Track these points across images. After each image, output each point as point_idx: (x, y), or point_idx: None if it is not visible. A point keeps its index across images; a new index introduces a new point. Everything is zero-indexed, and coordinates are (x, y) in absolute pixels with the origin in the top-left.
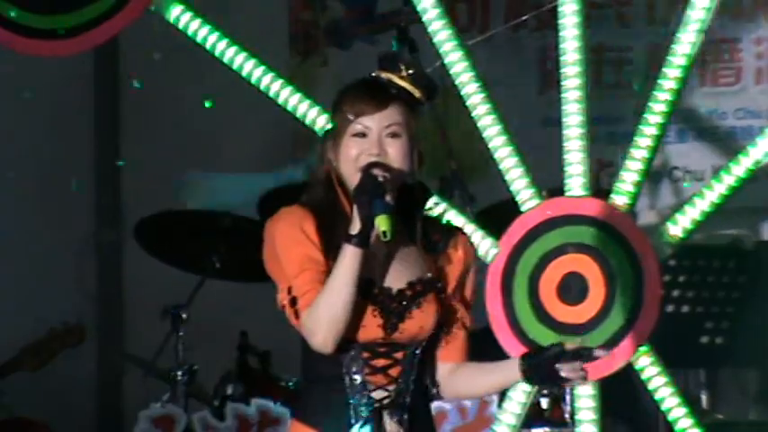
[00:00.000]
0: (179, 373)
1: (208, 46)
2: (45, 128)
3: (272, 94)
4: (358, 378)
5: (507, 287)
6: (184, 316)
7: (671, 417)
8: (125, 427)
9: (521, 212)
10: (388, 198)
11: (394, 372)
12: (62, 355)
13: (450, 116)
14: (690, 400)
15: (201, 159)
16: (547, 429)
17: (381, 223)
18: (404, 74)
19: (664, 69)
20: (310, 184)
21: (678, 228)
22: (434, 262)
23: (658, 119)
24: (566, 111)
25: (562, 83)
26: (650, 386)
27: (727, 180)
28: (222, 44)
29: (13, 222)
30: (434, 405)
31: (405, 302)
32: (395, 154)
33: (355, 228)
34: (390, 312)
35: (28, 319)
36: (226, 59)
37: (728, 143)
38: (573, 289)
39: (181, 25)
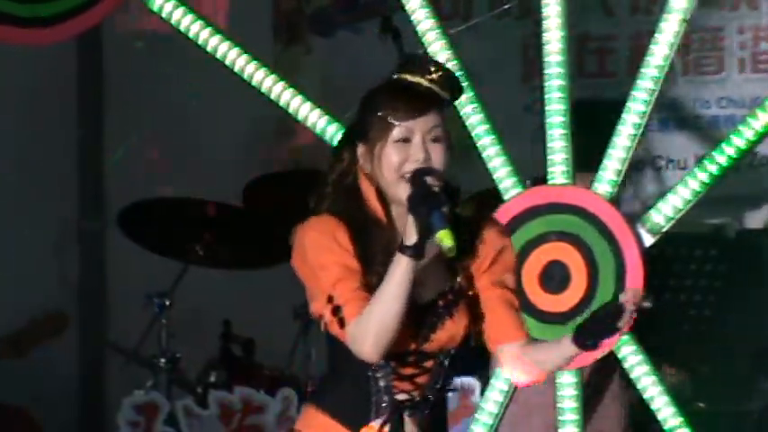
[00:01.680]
0: (162, 360)
1: (191, 35)
2: (26, 116)
3: (255, 83)
4: (383, 383)
5: None
6: (167, 303)
7: (654, 406)
8: (108, 414)
9: (503, 201)
10: (445, 209)
11: (421, 380)
12: (44, 343)
13: None
14: (672, 389)
15: (184, 147)
16: None
17: (445, 238)
18: (433, 76)
19: (646, 58)
20: (331, 192)
21: (660, 216)
22: (464, 266)
23: (640, 107)
24: (548, 99)
25: (545, 71)
26: (633, 375)
27: (710, 168)
28: (205, 33)
29: None
30: None
31: (437, 313)
32: (438, 159)
33: (411, 239)
34: (422, 323)
35: (9, 307)
36: (209, 48)
37: (711, 132)
38: (555, 277)
39: (164, 14)
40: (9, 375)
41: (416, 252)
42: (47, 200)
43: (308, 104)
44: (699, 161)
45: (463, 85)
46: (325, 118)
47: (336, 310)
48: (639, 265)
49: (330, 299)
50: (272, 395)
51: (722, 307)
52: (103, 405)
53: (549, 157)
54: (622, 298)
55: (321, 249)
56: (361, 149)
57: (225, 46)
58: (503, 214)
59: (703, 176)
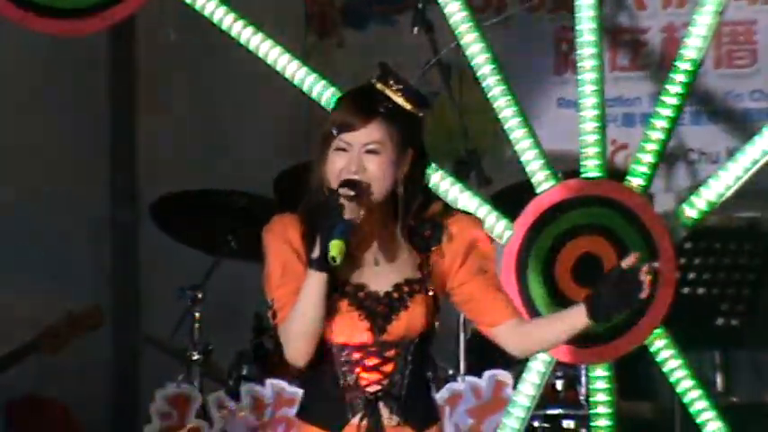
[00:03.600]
0: (194, 353)
1: (224, 26)
2: (59, 108)
3: (287, 74)
4: (351, 376)
5: (522, 269)
6: (200, 296)
7: (686, 399)
8: (141, 406)
9: (536, 194)
10: (348, 217)
11: (387, 368)
12: (81, 337)
13: (466, 98)
14: (704, 383)
15: (217, 139)
16: (561, 411)
17: (333, 248)
18: (393, 87)
19: (680, 51)
20: (307, 192)
21: (693, 210)
22: (427, 260)
23: (674, 101)
24: (582, 92)
25: (578, 64)
26: (665, 368)
27: (743, 162)
28: (238, 24)
29: (29, 205)
30: (449, 387)
31: (390, 305)
32: (374, 170)
33: (315, 252)
34: (377, 315)
35: (45, 301)
36: (242, 40)
37: (743, 125)
38: (588, 270)
39: (197, 5)
40: (43, 367)
41: (319, 265)
42: (80, 193)
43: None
44: (731, 154)
45: (423, 97)
46: None
47: (274, 315)
48: (673, 258)
49: (271, 302)
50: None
51: (756, 301)
52: (136, 397)
53: (582, 150)
54: (625, 264)
55: (270, 251)
56: (318, 152)
57: (257, 38)
58: (535, 207)
59: (736, 170)
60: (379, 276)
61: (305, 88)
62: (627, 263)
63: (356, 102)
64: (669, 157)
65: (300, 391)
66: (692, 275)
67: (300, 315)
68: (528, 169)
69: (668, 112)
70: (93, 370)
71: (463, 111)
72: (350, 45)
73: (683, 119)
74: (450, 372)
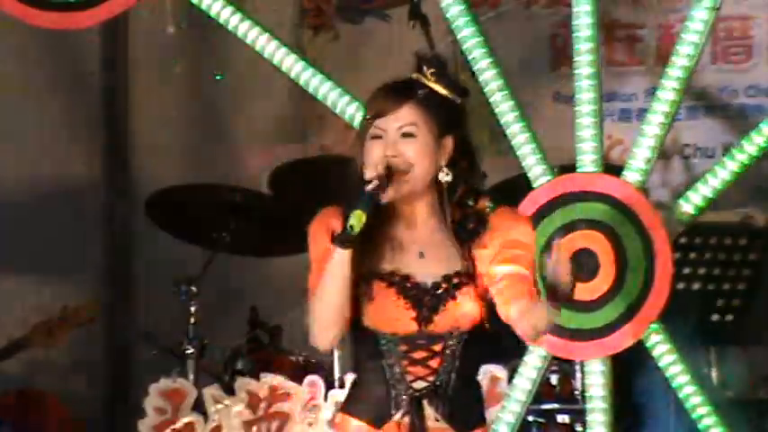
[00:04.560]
0: (189, 347)
1: (221, 20)
2: (53, 102)
3: (284, 68)
4: (397, 370)
5: None
6: (195, 290)
7: (681, 394)
8: (135, 400)
9: (532, 188)
10: (371, 190)
11: (434, 363)
12: (76, 330)
13: None
14: (700, 378)
15: (213, 133)
16: (557, 405)
17: (352, 217)
18: (428, 73)
19: (676, 46)
20: (351, 179)
21: (689, 205)
22: (469, 253)
23: (670, 96)
24: (578, 87)
25: (574, 59)
26: (661, 363)
27: (739, 157)
28: (235, 18)
29: (24, 199)
30: None
31: (438, 296)
32: (410, 154)
33: (338, 229)
34: (423, 306)
35: (40, 295)
36: (239, 34)
37: (739, 120)
38: (584, 266)
39: None
40: (37, 361)
41: (340, 240)
42: (74, 187)
43: (337, 91)
44: (727, 150)
45: (456, 83)
46: (354, 104)
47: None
48: (668, 254)
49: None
50: (299, 382)
51: (751, 297)
52: (130, 391)
53: (577, 146)
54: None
55: (313, 243)
56: (357, 143)
57: (254, 32)
58: (531, 202)
59: (732, 166)
60: (426, 267)
61: (301, 82)
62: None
63: (390, 88)
64: (665, 152)
65: (296, 387)
66: (687, 271)
67: (322, 295)
68: (524, 164)
69: (664, 108)
70: (87, 364)
71: None
72: (345, 39)
73: (679, 114)
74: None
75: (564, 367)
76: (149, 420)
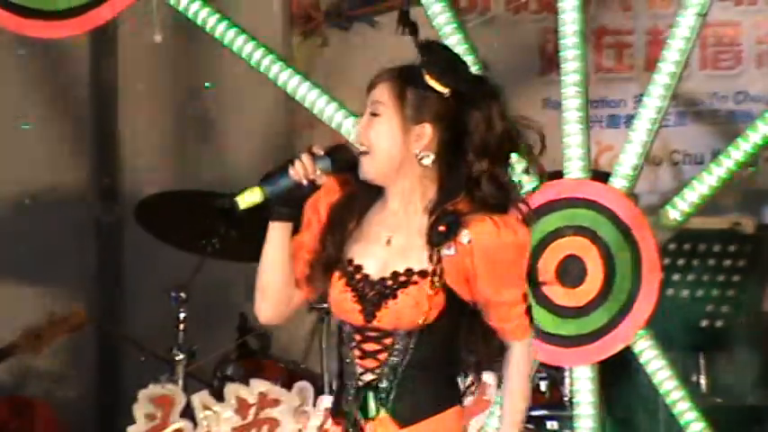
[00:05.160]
0: (179, 353)
1: (207, 27)
2: (43, 108)
3: (271, 75)
4: (349, 360)
5: None
6: (184, 297)
7: (669, 400)
8: (124, 407)
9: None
10: (293, 174)
11: (382, 357)
12: (63, 338)
13: None
14: (688, 384)
15: (201, 140)
16: (545, 412)
17: (248, 191)
18: (422, 59)
19: (662, 53)
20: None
21: (677, 211)
22: (436, 252)
23: (657, 102)
24: (565, 93)
25: (562, 65)
26: (649, 369)
27: (727, 164)
28: (222, 25)
29: (14, 207)
30: None
31: (381, 292)
32: (371, 133)
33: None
34: (366, 300)
35: (28, 302)
36: (225, 41)
37: (728, 127)
38: (571, 272)
39: (181, 7)
40: (27, 368)
41: (272, 213)
42: (64, 194)
43: (325, 98)
44: (716, 156)
45: (461, 78)
46: (342, 112)
47: None
48: (656, 260)
49: None
50: (288, 388)
51: (740, 302)
52: (120, 398)
53: (565, 152)
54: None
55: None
56: None
57: (241, 39)
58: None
59: (720, 172)
60: (385, 258)
61: (288, 89)
62: None
63: (385, 69)
64: (653, 158)
65: (286, 393)
66: (676, 277)
67: (260, 268)
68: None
69: (651, 114)
70: (76, 370)
71: None
72: (334, 45)
73: (667, 120)
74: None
75: (552, 373)
76: (139, 426)
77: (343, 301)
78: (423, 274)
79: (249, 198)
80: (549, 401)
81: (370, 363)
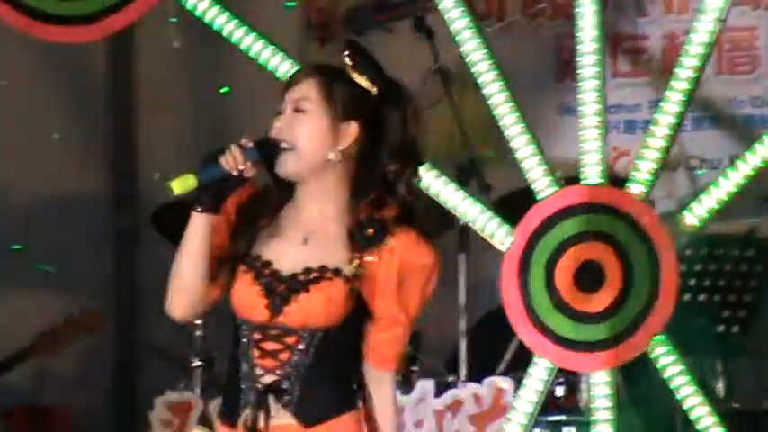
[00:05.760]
0: (196, 360)
1: (225, 33)
2: (60, 115)
3: None
4: (248, 363)
5: (523, 275)
6: None
7: (687, 405)
8: (142, 413)
9: (537, 200)
10: (225, 165)
11: (284, 356)
12: (79, 341)
13: (467, 104)
14: (705, 389)
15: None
16: (562, 417)
17: (182, 178)
18: (350, 58)
19: (680, 58)
20: None
21: (694, 217)
22: (360, 255)
23: (674, 108)
24: (582, 99)
25: (578, 71)
26: (666, 374)
27: (744, 169)
28: (240, 31)
29: (31, 211)
30: (451, 393)
31: (291, 286)
32: (296, 130)
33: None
34: (275, 294)
35: (44, 305)
36: (243, 47)
37: (745, 132)
38: (589, 277)
39: (198, 12)
40: (43, 374)
41: (195, 202)
42: (81, 201)
43: None
44: (733, 161)
45: (385, 79)
46: None
47: None
48: (674, 265)
49: None
50: None
51: (757, 307)
52: (137, 404)
53: (582, 157)
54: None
55: None
56: None
57: (259, 44)
58: (536, 214)
59: (737, 177)
60: (299, 256)
61: None
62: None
63: (308, 65)
64: (670, 163)
65: None
66: (693, 282)
67: (176, 261)
68: (529, 176)
69: (668, 119)
70: (93, 377)
71: (464, 117)
72: None
73: (684, 125)
74: (451, 378)
75: (569, 379)
76: None
77: (248, 295)
78: (337, 272)
79: (183, 184)
80: (565, 406)
81: (270, 363)
